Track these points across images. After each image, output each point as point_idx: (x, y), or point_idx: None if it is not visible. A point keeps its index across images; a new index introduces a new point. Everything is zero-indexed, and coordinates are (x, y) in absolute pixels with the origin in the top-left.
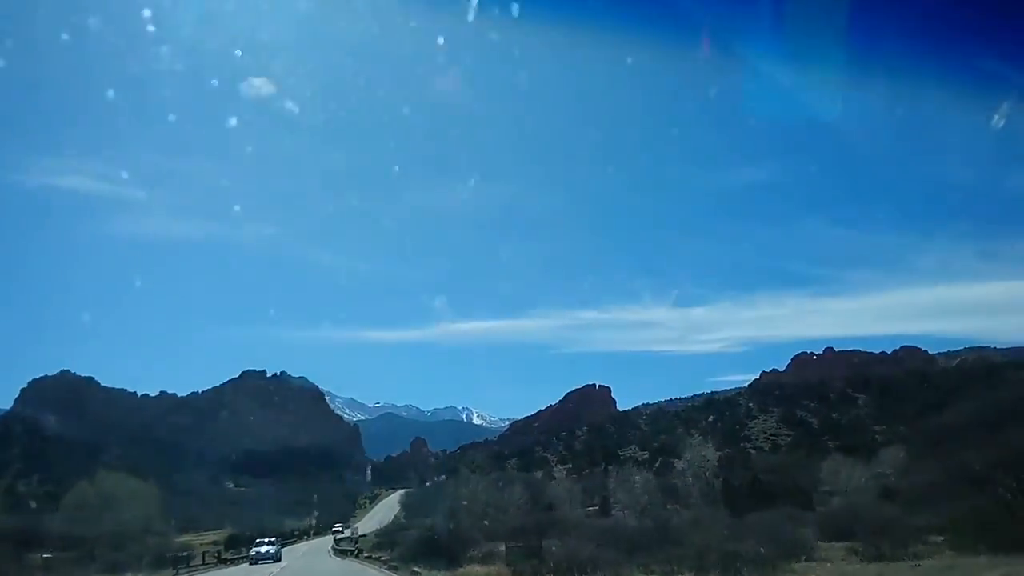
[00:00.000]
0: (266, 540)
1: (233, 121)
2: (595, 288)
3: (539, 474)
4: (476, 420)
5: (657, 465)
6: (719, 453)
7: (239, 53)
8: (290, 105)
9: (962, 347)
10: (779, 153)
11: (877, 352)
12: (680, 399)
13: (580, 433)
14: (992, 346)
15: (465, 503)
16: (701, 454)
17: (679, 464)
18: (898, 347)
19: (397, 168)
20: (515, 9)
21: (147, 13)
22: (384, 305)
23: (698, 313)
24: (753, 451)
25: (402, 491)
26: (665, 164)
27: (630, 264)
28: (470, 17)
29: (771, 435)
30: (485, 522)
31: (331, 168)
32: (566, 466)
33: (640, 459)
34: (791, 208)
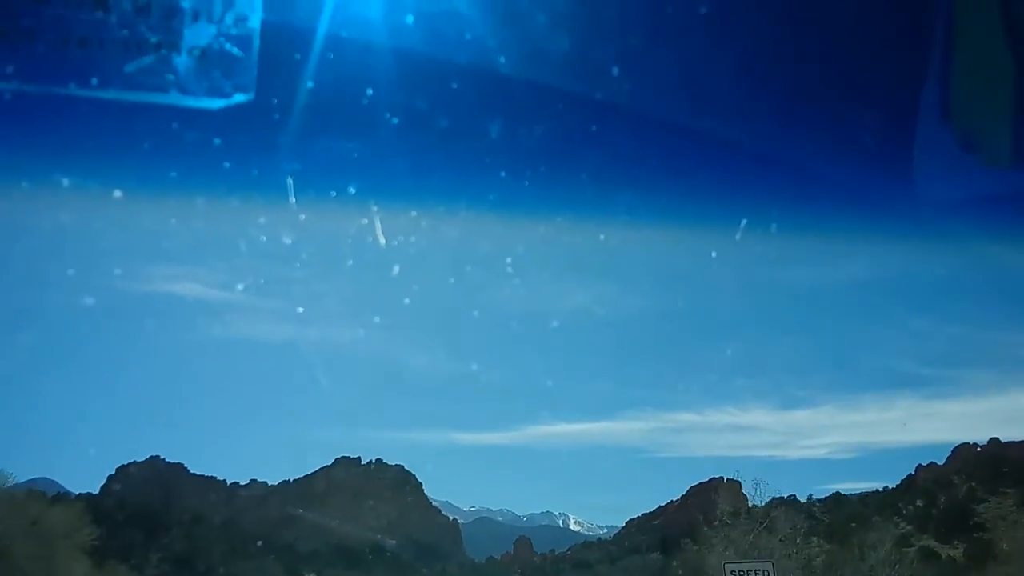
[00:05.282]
0: None
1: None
2: (690, 390)
3: None
4: (573, 526)
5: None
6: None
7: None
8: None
9: None
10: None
11: None
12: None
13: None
14: None
15: None
16: None
17: None
18: None
19: (488, 273)
20: None
21: None
22: (474, 407)
23: (801, 416)
24: None
25: None
26: (761, 261)
27: (727, 365)
28: None
29: (1014, 522)
30: None
31: (410, 290)
32: None
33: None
34: (896, 306)
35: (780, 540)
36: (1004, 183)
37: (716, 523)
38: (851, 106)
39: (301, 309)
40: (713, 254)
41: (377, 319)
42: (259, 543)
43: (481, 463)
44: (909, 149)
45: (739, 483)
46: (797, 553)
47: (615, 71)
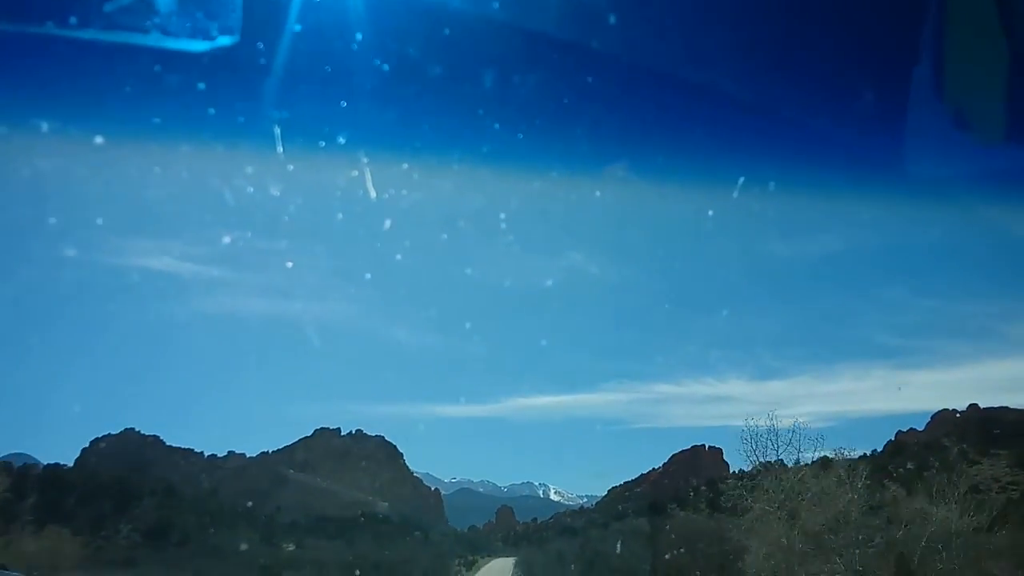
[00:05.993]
0: None
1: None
2: (668, 362)
3: None
4: (553, 496)
5: None
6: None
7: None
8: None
9: None
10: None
11: None
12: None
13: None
14: None
15: None
16: None
17: None
18: None
19: (467, 246)
20: None
21: None
22: (454, 380)
23: (778, 386)
24: None
25: (509, 559)
26: (738, 232)
27: (704, 336)
28: None
29: (1008, 483)
30: None
31: (401, 246)
32: None
33: None
34: (872, 277)
35: (836, 480)
36: (991, 159)
37: (728, 480)
38: (847, 75)
39: (290, 264)
40: (710, 212)
41: (368, 275)
42: (237, 514)
43: (462, 435)
44: (902, 119)
45: (720, 450)
46: (858, 497)
47: (612, 19)
